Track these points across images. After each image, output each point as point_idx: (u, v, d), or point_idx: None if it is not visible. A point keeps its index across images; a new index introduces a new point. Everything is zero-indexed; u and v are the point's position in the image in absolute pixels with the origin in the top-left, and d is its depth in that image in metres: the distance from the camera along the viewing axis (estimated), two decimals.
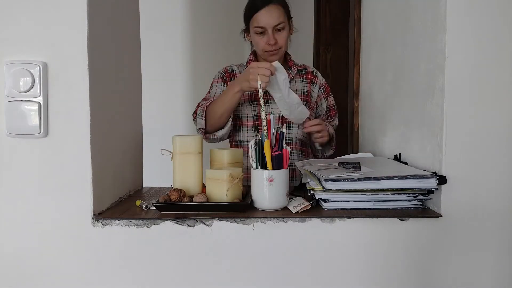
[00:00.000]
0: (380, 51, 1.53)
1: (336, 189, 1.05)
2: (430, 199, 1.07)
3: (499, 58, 1.00)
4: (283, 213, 1.03)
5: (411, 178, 1.04)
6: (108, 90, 1.11)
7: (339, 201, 1.07)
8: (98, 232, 1.01)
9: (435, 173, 1.04)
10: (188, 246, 1.01)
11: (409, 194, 1.06)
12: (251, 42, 1.69)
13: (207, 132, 1.55)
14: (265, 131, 1.07)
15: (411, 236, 1.01)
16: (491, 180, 1.02)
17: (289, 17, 1.61)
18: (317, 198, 1.08)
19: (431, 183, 1.03)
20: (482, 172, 1.02)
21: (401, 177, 1.05)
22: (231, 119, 1.53)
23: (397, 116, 1.35)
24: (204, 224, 1.01)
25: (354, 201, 1.06)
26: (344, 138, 2.19)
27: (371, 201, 1.06)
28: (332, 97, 1.76)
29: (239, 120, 1.62)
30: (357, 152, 1.78)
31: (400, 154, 1.29)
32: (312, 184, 1.10)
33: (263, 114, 1.08)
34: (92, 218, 1.01)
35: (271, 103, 1.58)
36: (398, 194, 1.06)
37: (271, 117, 1.10)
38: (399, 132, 1.32)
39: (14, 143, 1.00)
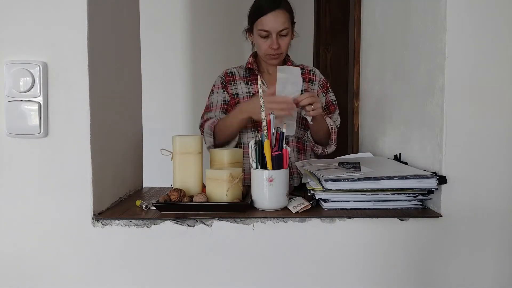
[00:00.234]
0: (380, 51, 1.53)
1: (336, 189, 1.05)
2: (430, 199, 1.07)
3: (499, 58, 1.00)
4: (283, 213, 1.03)
5: (411, 178, 1.04)
6: (108, 90, 1.11)
7: (339, 201, 1.06)
8: (98, 232, 1.01)
9: (435, 173, 1.04)
10: (188, 246, 1.01)
11: (409, 194, 1.06)
12: (252, 42, 1.69)
13: (216, 146, 1.57)
14: (265, 131, 1.07)
15: (411, 236, 1.01)
16: (491, 180, 1.02)
17: (293, 23, 1.62)
18: (317, 198, 1.08)
19: (431, 183, 1.03)
20: (482, 172, 1.02)
21: (401, 177, 1.05)
22: (238, 134, 1.58)
23: (397, 116, 1.35)
24: (204, 224, 1.01)
25: (354, 201, 1.06)
26: (344, 138, 2.19)
27: (371, 201, 1.06)
28: (332, 93, 1.73)
29: None
30: (357, 152, 1.78)
31: (400, 154, 1.29)
32: (312, 184, 1.10)
33: (263, 114, 1.08)
34: (92, 218, 1.01)
35: None
36: (398, 194, 1.06)
37: (271, 117, 1.10)
38: (399, 132, 1.32)
39: (14, 143, 1.00)
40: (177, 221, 1.01)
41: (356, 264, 1.02)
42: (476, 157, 1.01)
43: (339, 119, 1.73)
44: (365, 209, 1.06)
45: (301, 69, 1.70)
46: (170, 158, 1.16)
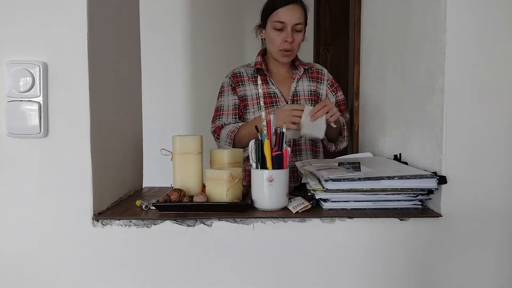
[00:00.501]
0: (380, 51, 1.53)
1: (336, 189, 1.05)
2: (430, 199, 1.07)
3: (499, 58, 1.00)
4: (283, 213, 1.03)
5: (411, 178, 1.04)
6: (108, 90, 1.11)
7: (339, 201, 1.07)
8: (98, 232, 1.01)
9: (435, 173, 1.04)
10: (188, 246, 1.01)
11: (409, 194, 1.06)
12: (262, 40, 1.69)
13: None
14: (265, 131, 1.07)
15: (411, 236, 1.01)
16: (491, 180, 1.02)
17: (306, 23, 1.63)
18: (317, 198, 1.08)
19: (431, 183, 1.03)
20: (482, 172, 1.02)
21: (401, 177, 1.05)
22: None
23: (397, 116, 1.35)
24: (204, 224, 1.01)
25: (354, 201, 1.06)
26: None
27: (371, 201, 1.06)
28: (341, 92, 1.75)
29: None
30: (357, 152, 1.78)
31: (400, 154, 1.29)
32: (312, 184, 1.10)
33: (263, 114, 1.08)
34: (92, 218, 1.01)
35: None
36: (398, 194, 1.06)
37: (271, 117, 1.10)
38: (399, 132, 1.32)
39: (14, 143, 1.00)
40: (177, 221, 1.01)
41: (356, 264, 1.02)
42: (476, 157, 1.01)
43: (348, 116, 1.75)
44: (365, 209, 1.06)
45: (309, 68, 1.71)
46: (170, 158, 1.16)
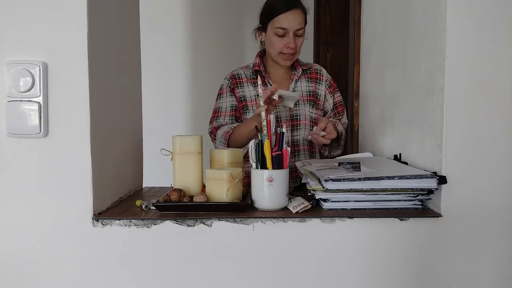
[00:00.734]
0: (380, 51, 1.53)
1: (336, 189, 1.05)
2: (430, 199, 1.07)
3: (499, 58, 1.00)
4: (283, 213, 1.03)
5: (411, 178, 1.04)
6: (108, 90, 1.11)
7: (339, 201, 1.06)
8: (98, 232, 1.01)
9: (435, 173, 1.04)
10: (188, 246, 1.01)
11: (409, 194, 1.06)
12: (261, 42, 1.69)
13: None
14: (265, 131, 1.07)
15: (411, 236, 1.01)
16: (491, 180, 1.02)
17: (305, 23, 1.63)
18: (317, 198, 1.08)
19: (431, 183, 1.03)
20: (482, 172, 1.02)
21: (401, 177, 1.05)
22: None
23: (397, 116, 1.35)
24: (204, 224, 1.01)
25: (354, 201, 1.06)
26: (344, 138, 2.18)
27: (371, 201, 1.06)
28: (339, 93, 1.74)
29: None
30: (357, 152, 1.78)
31: (400, 154, 1.29)
32: (312, 184, 1.10)
33: (263, 114, 1.08)
34: (92, 218, 1.01)
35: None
36: (398, 194, 1.06)
37: (271, 117, 1.10)
38: (399, 132, 1.32)
39: (14, 143, 1.00)
40: (177, 221, 1.01)
41: (356, 264, 1.02)
42: (476, 157, 1.01)
43: (347, 121, 1.74)
44: (365, 209, 1.06)
45: (307, 68, 1.71)
46: (170, 158, 1.16)
